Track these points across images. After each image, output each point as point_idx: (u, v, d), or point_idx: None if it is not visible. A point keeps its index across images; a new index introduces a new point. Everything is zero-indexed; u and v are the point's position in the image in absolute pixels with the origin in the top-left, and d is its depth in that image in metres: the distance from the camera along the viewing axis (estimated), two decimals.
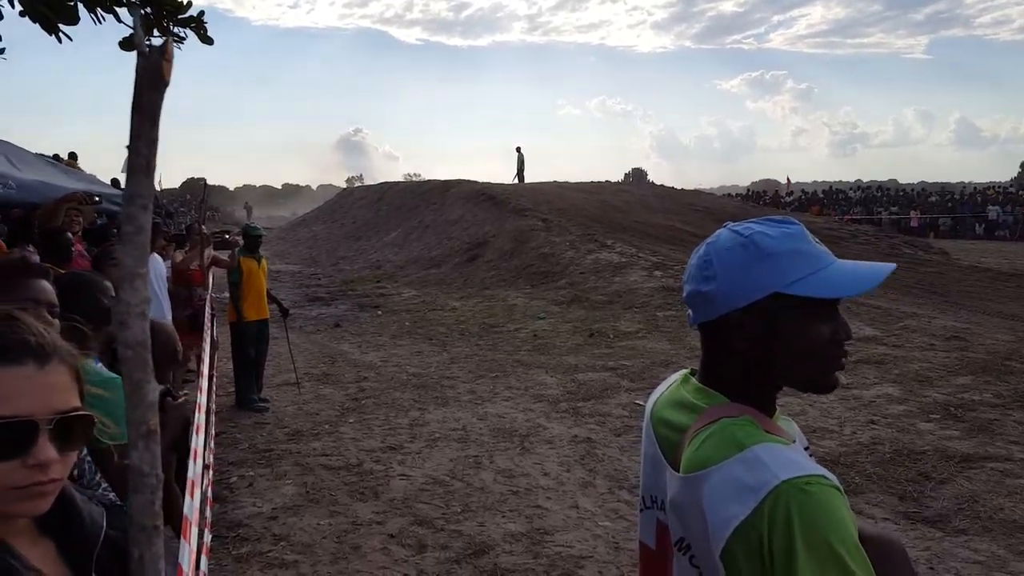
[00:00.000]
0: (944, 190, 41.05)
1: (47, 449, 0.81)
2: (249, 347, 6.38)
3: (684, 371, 1.11)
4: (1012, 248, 24.68)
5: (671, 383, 1.12)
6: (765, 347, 0.96)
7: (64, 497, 0.90)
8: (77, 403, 0.87)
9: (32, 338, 0.85)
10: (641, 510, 1.12)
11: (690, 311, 1.04)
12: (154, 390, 0.61)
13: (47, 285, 1.76)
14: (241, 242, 6.70)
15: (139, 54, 0.61)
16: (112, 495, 1.40)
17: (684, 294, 1.05)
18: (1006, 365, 6.51)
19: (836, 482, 0.86)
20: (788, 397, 5.68)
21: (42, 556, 0.88)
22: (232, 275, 6.43)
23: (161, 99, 0.63)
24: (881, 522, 3.91)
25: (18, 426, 0.81)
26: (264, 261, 6.70)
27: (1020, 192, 35.82)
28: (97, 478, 1.53)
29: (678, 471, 0.97)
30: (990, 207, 31.69)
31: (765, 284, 0.94)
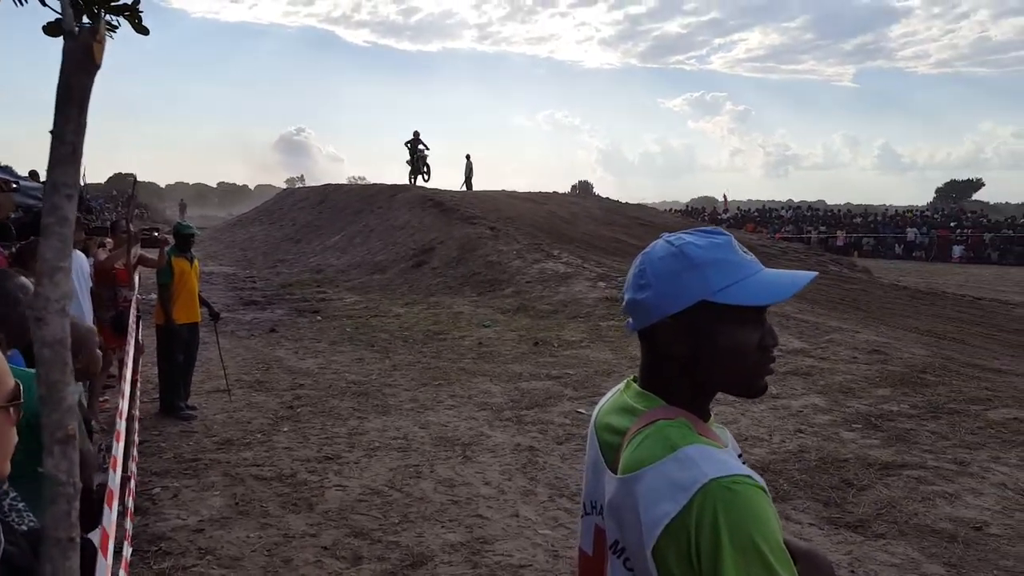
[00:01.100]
0: (867, 212, 43.34)
1: None
2: (177, 351, 6.10)
3: (627, 378, 1.13)
4: (928, 268, 26.26)
5: (616, 390, 1.15)
6: (695, 353, 0.99)
7: None
8: None
9: None
10: (581, 516, 1.14)
11: (629, 319, 1.07)
12: (73, 393, 0.56)
13: None
14: (171, 241, 6.42)
15: (67, 35, 0.58)
16: (28, 516, 1.30)
17: (623, 302, 1.08)
18: (921, 378, 6.89)
19: (762, 483, 0.89)
20: (721, 406, 5.84)
21: None
22: (162, 275, 6.13)
23: (91, 83, 0.59)
24: (807, 527, 4.06)
25: None
26: (196, 262, 6.43)
27: (935, 215, 38.19)
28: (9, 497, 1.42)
29: (616, 473, 0.99)
30: (908, 229, 33.63)
31: (693, 292, 0.98)
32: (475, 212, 17.77)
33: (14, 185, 4.90)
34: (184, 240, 6.35)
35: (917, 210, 43.07)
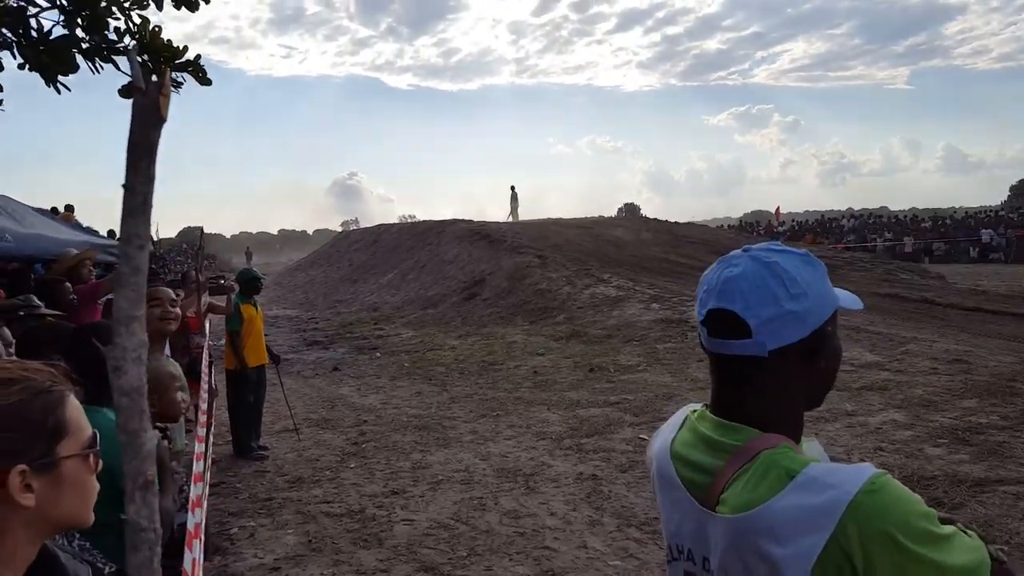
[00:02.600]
0: (936, 216, 41.44)
1: None
2: (249, 394, 6.30)
3: (694, 407, 1.05)
4: (1008, 270, 24.80)
5: (681, 421, 1.06)
6: (830, 361, 0.97)
7: (47, 555, 0.88)
8: None
9: (63, 371, 0.93)
10: (669, 561, 1.04)
11: (763, 339, 0.92)
12: (151, 439, 0.57)
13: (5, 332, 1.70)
14: (236, 287, 6.65)
15: (136, 91, 0.60)
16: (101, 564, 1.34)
17: (758, 320, 0.92)
18: (1010, 387, 6.46)
19: (882, 470, 0.86)
20: None
21: None
22: (232, 323, 6.35)
23: (158, 136, 0.61)
24: None
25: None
26: (260, 308, 6.66)
27: (1011, 215, 36.19)
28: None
29: (716, 513, 0.91)
30: (983, 230, 31.94)
31: (833, 298, 0.97)
32: (522, 241, 17.84)
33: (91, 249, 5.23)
34: (251, 285, 6.58)
35: (990, 210, 40.89)
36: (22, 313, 3.08)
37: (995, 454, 5.01)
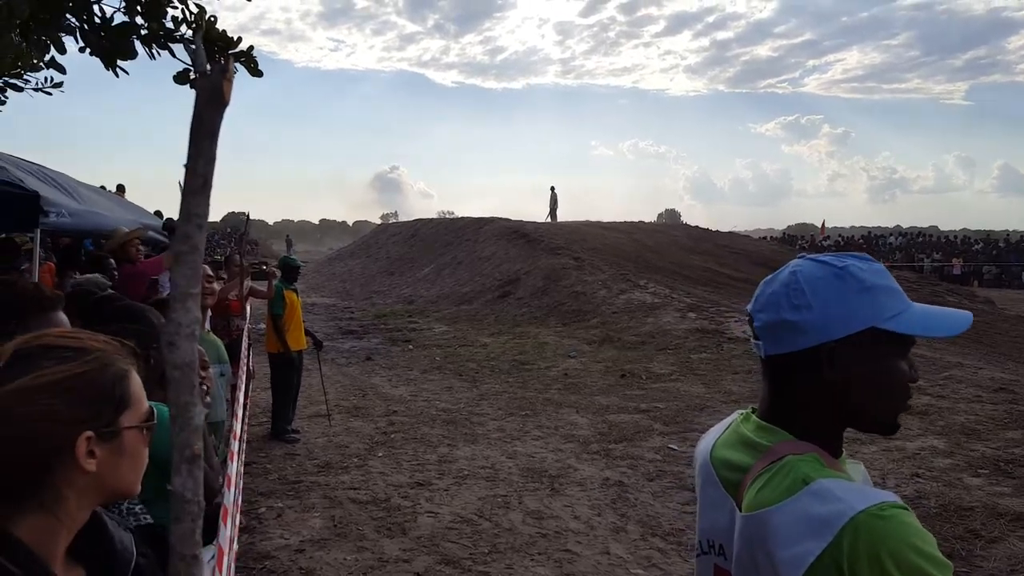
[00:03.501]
0: (989, 238, 39.98)
1: None
2: (293, 377, 6.46)
3: (743, 410, 1.07)
4: None
5: (729, 423, 1.09)
6: (851, 382, 0.93)
7: (96, 523, 0.90)
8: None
9: (128, 343, 0.95)
10: (698, 555, 1.08)
11: (762, 341, 0.99)
12: (200, 413, 0.59)
13: (63, 318, 1.75)
14: (278, 273, 6.80)
15: (200, 74, 0.62)
16: (145, 516, 1.38)
17: (758, 323, 0.99)
18: None
19: (904, 504, 0.84)
20: None
21: None
22: (275, 306, 6.50)
23: (220, 119, 0.63)
24: None
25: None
26: (299, 295, 6.80)
27: None
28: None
29: (741, 511, 0.94)
30: None
31: (864, 317, 0.92)
32: (560, 243, 17.80)
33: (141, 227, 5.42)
34: (292, 272, 6.76)
35: None
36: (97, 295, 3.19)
37: None
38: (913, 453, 5.62)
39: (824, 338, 0.92)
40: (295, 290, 6.68)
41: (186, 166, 0.59)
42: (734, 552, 0.95)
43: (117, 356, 0.90)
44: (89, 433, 0.83)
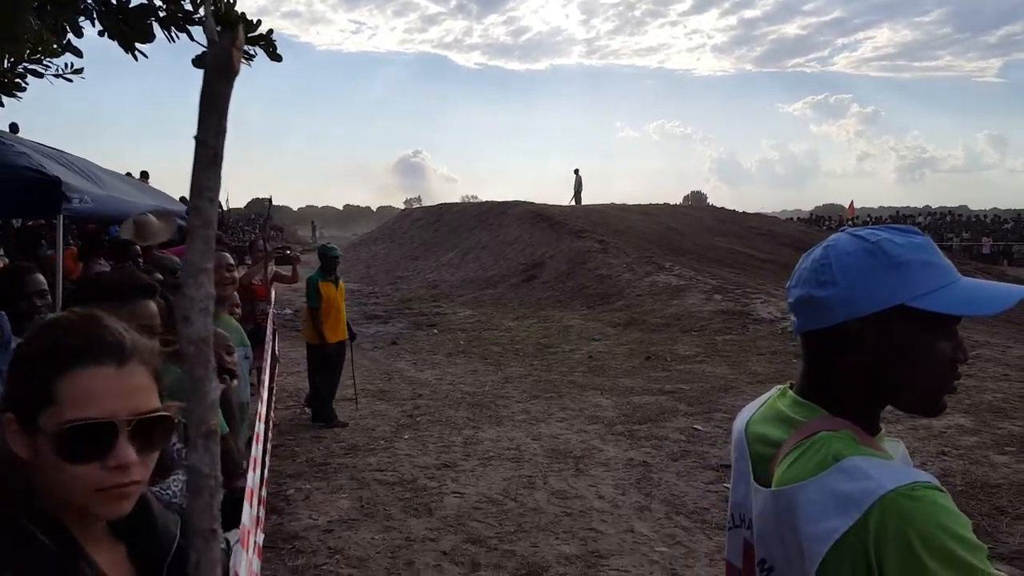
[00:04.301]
0: (1020, 217, 38.87)
1: (127, 451, 0.80)
2: (328, 367, 6.36)
3: (781, 386, 1.05)
4: None
5: (767, 399, 1.07)
6: (882, 361, 0.90)
7: (140, 503, 0.88)
8: (157, 404, 0.86)
9: (111, 338, 0.84)
10: (729, 528, 1.08)
11: (795, 317, 0.97)
12: (215, 388, 0.59)
13: (152, 306, 1.76)
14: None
15: (209, 42, 0.61)
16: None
17: (790, 299, 0.98)
18: None
19: (939, 485, 0.82)
20: None
21: (113, 562, 0.87)
22: (310, 299, 6.41)
23: (230, 88, 0.61)
24: None
25: (98, 427, 0.79)
26: (341, 283, 6.63)
27: None
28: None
29: (768, 486, 0.92)
30: None
31: (893, 294, 0.88)
32: (584, 226, 17.70)
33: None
34: (329, 262, 6.54)
35: None
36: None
37: None
38: (939, 431, 5.53)
39: (851, 315, 0.90)
40: (334, 280, 6.48)
41: (196, 138, 0.58)
42: (755, 528, 0.94)
43: (101, 347, 0.82)
44: (9, 414, 0.81)
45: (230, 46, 0.60)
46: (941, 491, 0.81)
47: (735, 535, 1.05)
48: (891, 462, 0.86)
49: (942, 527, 0.77)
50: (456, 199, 42.47)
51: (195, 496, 0.58)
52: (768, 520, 0.91)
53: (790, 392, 1.00)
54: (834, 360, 0.93)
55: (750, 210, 30.89)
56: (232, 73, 0.61)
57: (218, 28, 0.60)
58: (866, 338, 0.90)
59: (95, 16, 2.44)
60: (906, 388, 0.91)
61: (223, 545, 1.89)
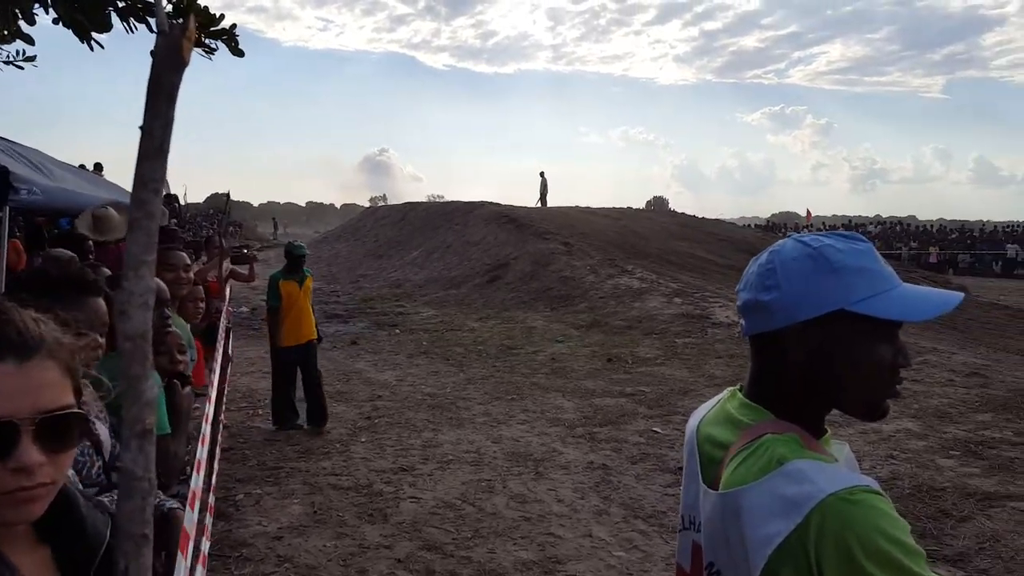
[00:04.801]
0: (964, 228, 40.60)
1: (30, 451, 0.76)
2: (287, 370, 6.15)
3: (732, 388, 1.07)
4: None
5: (718, 400, 1.08)
6: (822, 365, 0.92)
7: (65, 502, 0.85)
8: (68, 400, 0.81)
9: (12, 332, 0.79)
10: (679, 531, 1.09)
11: (743, 321, 0.99)
12: (152, 387, 0.56)
13: (102, 305, 1.69)
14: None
15: (159, 32, 0.58)
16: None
17: (739, 302, 1.00)
18: None
19: (879, 489, 0.83)
20: None
21: (36, 565, 0.83)
22: (270, 298, 6.21)
23: (179, 80, 0.59)
24: None
25: None
26: (308, 278, 6.40)
27: None
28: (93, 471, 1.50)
29: (716, 489, 0.93)
30: (1009, 245, 31.25)
31: (832, 299, 0.90)
32: (549, 228, 17.77)
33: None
34: (295, 261, 6.27)
35: (1018, 225, 39.84)
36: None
37: (1006, 469, 4.92)
38: (888, 435, 5.71)
39: (793, 319, 0.91)
40: (298, 280, 6.24)
41: (142, 129, 0.56)
42: (704, 530, 0.95)
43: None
44: None
45: (180, 37, 0.58)
46: (881, 495, 0.82)
47: (685, 537, 1.06)
48: (833, 466, 0.87)
49: (880, 531, 0.78)
50: (422, 198, 42.18)
51: (126, 498, 0.56)
52: (716, 523, 0.92)
53: (739, 394, 1.02)
54: (778, 363, 0.95)
55: (710, 216, 31.55)
56: (181, 64, 0.59)
57: (178, 21, 0.58)
58: (807, 342, 0.91)
59: (49, 3, 2.35)
60: (846, 392, 0.93)
61: (174, 504, 1.84)
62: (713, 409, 1.07)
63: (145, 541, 0.51)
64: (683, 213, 28.34)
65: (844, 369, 0.91)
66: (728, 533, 0.89)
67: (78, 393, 0.84)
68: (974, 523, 4.13)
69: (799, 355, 0.92)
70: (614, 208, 25.50)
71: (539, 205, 24.80)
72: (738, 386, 1.05)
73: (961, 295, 0.97)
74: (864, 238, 0.96)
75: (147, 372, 0.55)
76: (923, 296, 0.93)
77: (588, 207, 25.21)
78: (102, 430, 1.61)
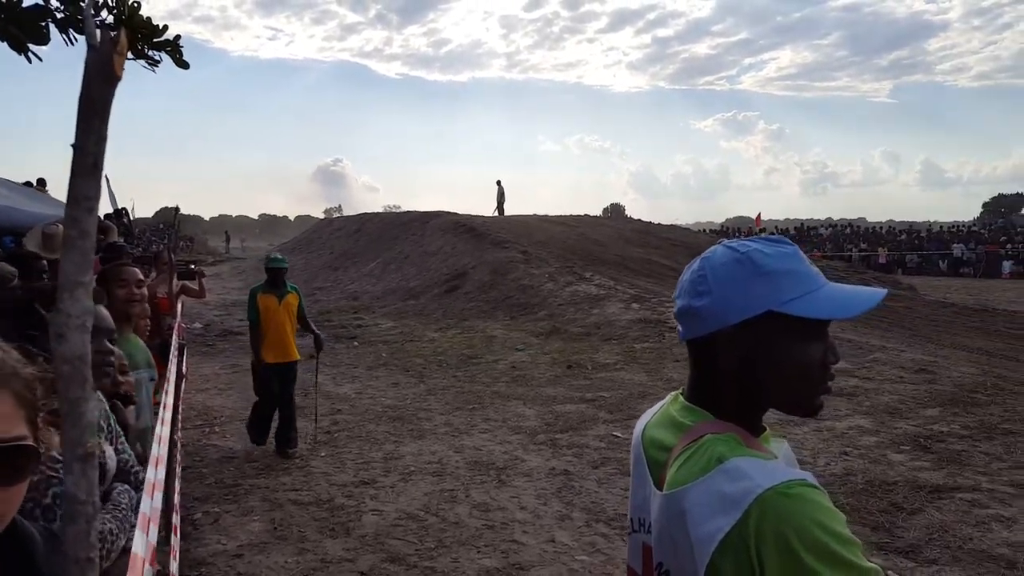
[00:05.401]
0: (911, 229, 42.24)
1: None
2: (266, 389, 5.92)
3: (675, 391, 1.09)
4: (977, 284, 25.34)
5: (662, 404, 1.11)
6: (754, 365, 0.94)
7: (15, 532, 0.83)
8: (18, 431, 0.79)
9: None
10: (629, 533, 1.10)
11: (680, 326, 1.02)
12: (92, 410, 0.55)
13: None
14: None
15: (89, 47, 0.58)
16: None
17: (675, 309, 1.03)
18: (972, 397, 6.60)
19: (816, 483, 0.85)
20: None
21: None
22: (248, 313, 6.00)
23: (112, 95, 0.59)
24: None
25: None
26: (290, 295, 6.15)
27: (982, 231, 36.96)
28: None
29: (662, 490, 0.95)
30: (954, 245, 32.60)
31: (759, 301, 0.93)
32: (506, 236, 17.82)
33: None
34: (273, 275, 6.04)
35: (963, 226, 41.74)
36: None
37: (954, 462, 5.12)
38: (842, 432, 5.89)
39: (724, 322, 0.94)
40: (278, 295, 6.01)
41: (74, 146, 0.55)
42: (653, 530, 0.97)
43: None
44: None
45: (111, 50, 0.57)
46: (817, 488, 0.84)
47: (635, 540, 1.08)
48: (771, 462, 0.89)
49: (817, 522, 0.80)
50: (378, 208, 41.91)
51: (70, 522, 0.55)
52: (663, 523, 0.94)
53: (681, 398, 1.04)
54: (713, 366, 0.97)
55: (666, 222, 32.08)
56: (114, 78, 0.58)
57: (113, 32, 0.57)
58: (739, 344, 0.94)
59: None
60: (779, 390, 0.95)
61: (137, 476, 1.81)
62: (657, 413, 1.09)
63: (90, 565, 0.50)
64: (639, 219, 28.78)
65: (775, 369, 0.94)
66: (674, 533, 0.91)
67: (33, 425, 0.82)
68: (924, 515, 4.29)
69: (731, 357, 0.95)
70: (571, 215, 25.73)
71: (496, 214, 24.83)
72: (680, 390, 1.07)
73: (885, 291, 1.00)
74: (790, 241, 0.99)
75: (87, 394, 0.54)
76: (849, 294, 0.96)
77: (545, 215, 25.39)
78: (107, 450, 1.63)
